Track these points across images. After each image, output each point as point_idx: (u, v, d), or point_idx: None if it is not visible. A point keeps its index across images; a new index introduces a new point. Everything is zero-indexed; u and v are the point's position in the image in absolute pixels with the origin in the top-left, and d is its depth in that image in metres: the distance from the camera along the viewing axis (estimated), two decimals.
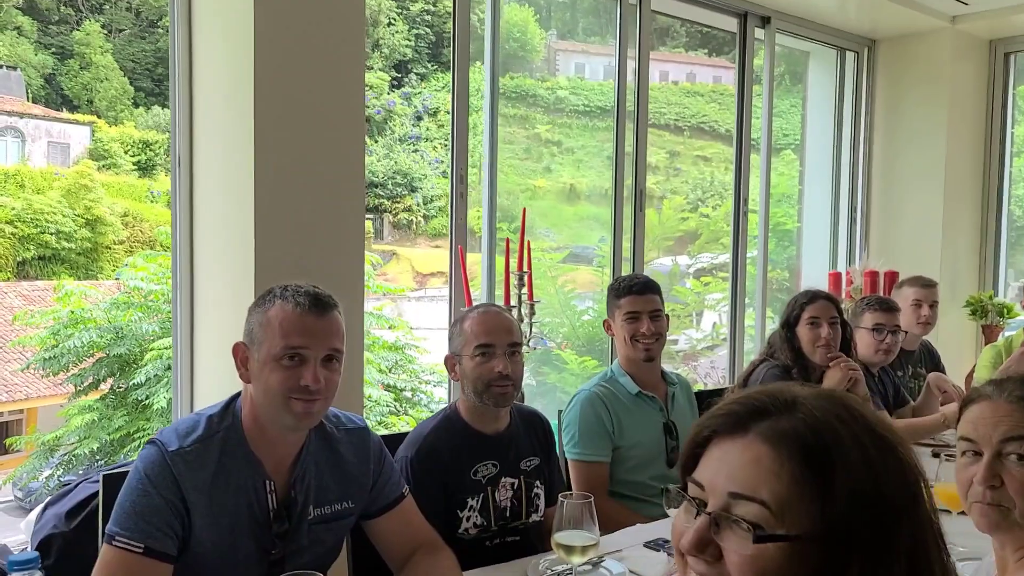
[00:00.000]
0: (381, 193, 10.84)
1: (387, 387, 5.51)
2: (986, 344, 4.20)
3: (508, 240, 2.96)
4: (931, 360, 3.81)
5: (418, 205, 11.05)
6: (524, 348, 2.99)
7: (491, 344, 2.07)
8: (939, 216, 4.65)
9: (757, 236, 4.51)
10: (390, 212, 10.93)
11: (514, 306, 2.93)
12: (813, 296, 2.90)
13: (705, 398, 3.05)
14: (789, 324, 2.89)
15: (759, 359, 2.99)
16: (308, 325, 1.55)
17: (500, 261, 3.10)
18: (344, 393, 2.36)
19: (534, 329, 3.08)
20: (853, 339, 3.01)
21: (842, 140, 4.79)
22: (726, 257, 5.77)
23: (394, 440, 2.11)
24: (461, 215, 3.10)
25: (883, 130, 4.81)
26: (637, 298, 2.56)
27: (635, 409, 2.53)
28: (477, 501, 2.05)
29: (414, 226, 11.08)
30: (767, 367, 2.87)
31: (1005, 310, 4.51)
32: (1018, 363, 3.61)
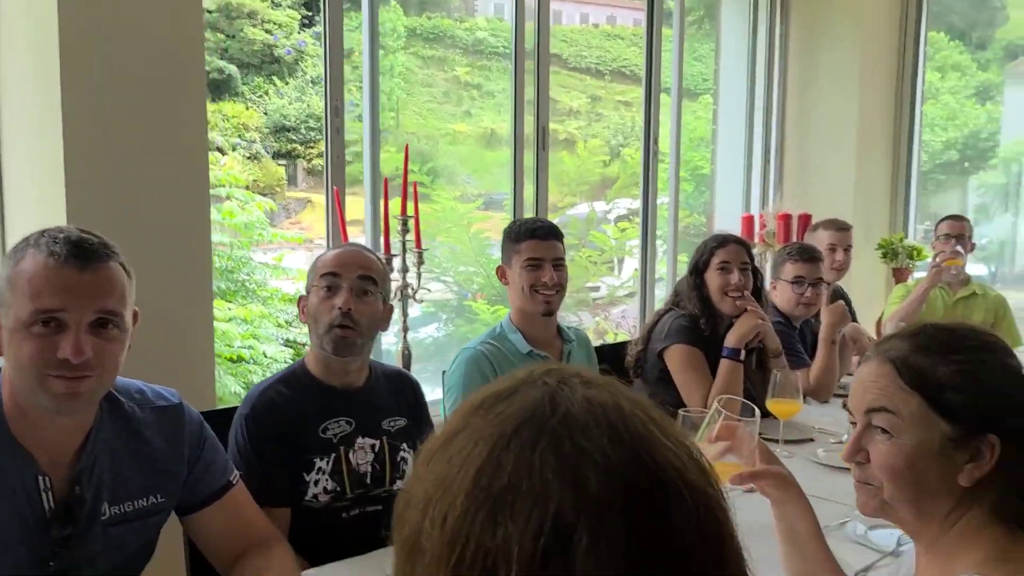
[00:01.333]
0: (293, 138, 10.26)
1: (288, 343, 5.19)
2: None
3: (387, 180, 2.65)
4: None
5: (379, 155, 10.48)
6: (414, 300, 2.71)
7: (338, 275, 1.78)
8: (852, 159, 4.50)
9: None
10: (303, 158, 10.38)
11: (396, 254, 2.63)
12: (723, 240, 2.67)
13: (608, 352, 2.83)
14: (698, 270, 2.66)
15: (664, 308, 2.77)
16: (66, 281, 1.21)
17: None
18: (189, 365, 2.04)
19: (423, 280, 2.79)
20: (764, 287, 2.80)
21: (756, 83, 4.57)
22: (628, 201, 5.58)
23: None
24: (338, 152, 2.77)
25: (797, 72, 4.62)
26: (539, 243, 2.29)
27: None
28: (327, 463, 1.76)
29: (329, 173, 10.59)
30: (672, 317, 2.65)
31: (915, 252, 4.41)
32: (909, 310, 3.50)
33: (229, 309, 4.49)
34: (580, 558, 0.51)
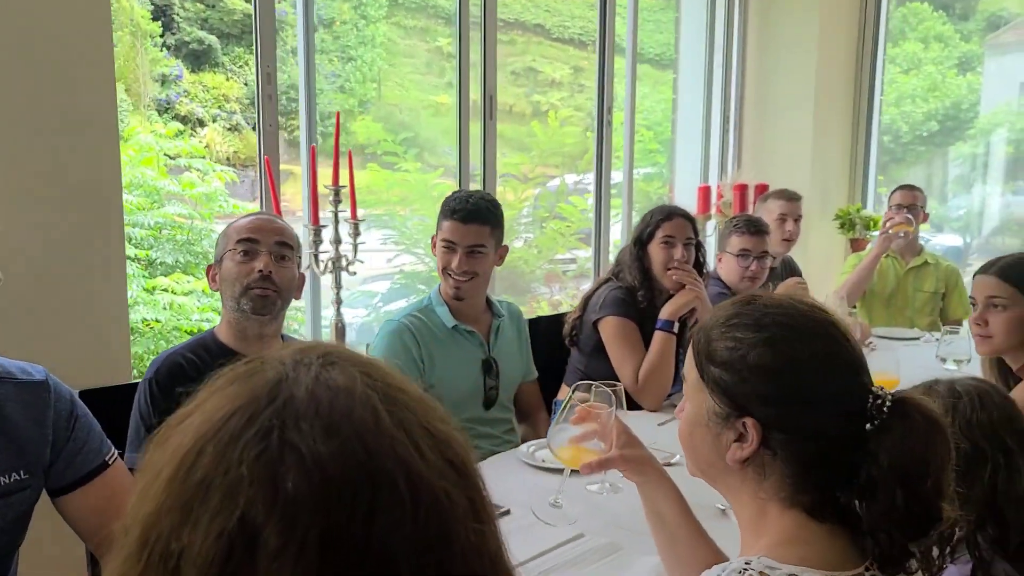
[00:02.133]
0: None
1: None
2: None
3: (313, 148, 2.59)
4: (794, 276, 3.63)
5: (315, 122, 10.40)
6: (347, 272, 2.67)
7: (255, 240, 1.78)
8: (810, 128, 4.44)
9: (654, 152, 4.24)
10: (284, 129, 10.26)
11: (324, 225, 2.57)
12: (670, 213, 2.62)
13: (546, 323, 2.80)
14: (641, 241, 2.61)
15: (603, 279, 2.73)
16: None
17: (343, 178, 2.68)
18: (100, 337, 1.99)
19: (360, 251, 2.73)
20: (706, 262, 2.75)
21: (715, 52, 4.49)
22: (616, 174, 5.50)
23: None
24: (270, 120, 2.71)
25: (755, 42, 4.54)
26: (457, 226, 2.22)
27: (450, 343, 2.24)
28: None
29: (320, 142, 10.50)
30: (609, 288, 2.61)
31: (872, 223, 4.37)
32: (858, 279, 3.46)
33: (188, 282, 4.44)
34: (264, 563, 0.48)
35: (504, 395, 2.30)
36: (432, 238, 2.36)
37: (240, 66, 9.16)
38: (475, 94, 3.46)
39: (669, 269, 2.54)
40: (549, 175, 7.11)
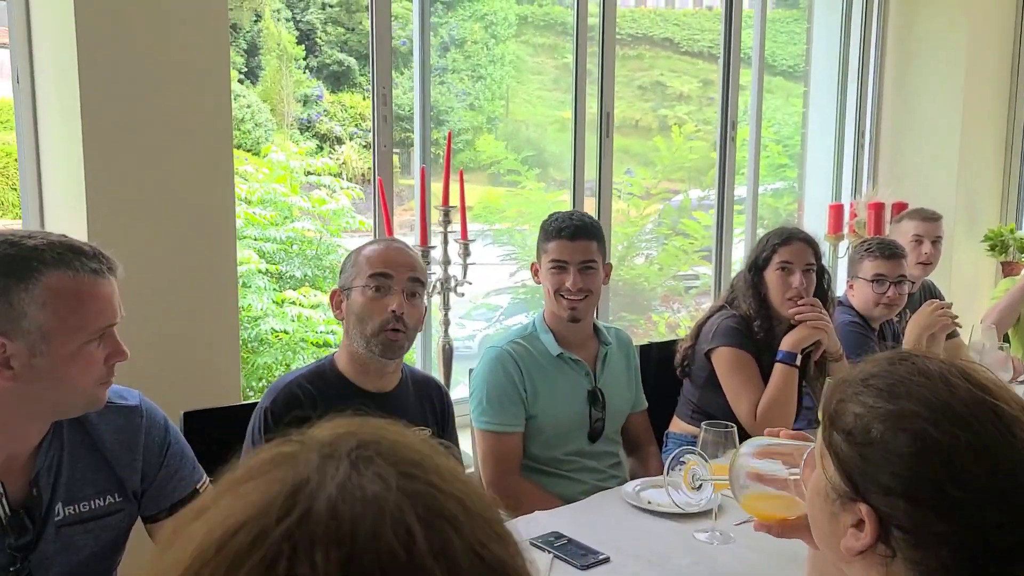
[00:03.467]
0: (407, 127, 10.35)
1: None
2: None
3: (424, 170, 2.53)
4: None
5: (444, 139, 10.49)
6: (455, 293, 2.59)
7: (388, 275, 1.68)
8: (956, 143, 4.04)
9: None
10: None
11: (433, 246, 2.51)
12: (788, 236, 2.37)
13: (657, 351, 2.63)
14: (757, 267, 2.39)
15: (717, 306, 2.51)
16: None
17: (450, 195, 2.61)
18: (211, 359, 1.98)
19: (469, 272, 2.66)
20: (831, 288, 2.50)
21: (850, 60, 4.17)
22: (742, 190, 5.23)
23: None
24: (385, 141, 2.67)
25: (895, 50, 4.18)
26: (566, 244, 2.08)
27: (555, 373, 2.11)
28: None
29: (441, 160, 10.57)
30: (723, 316, 2.40)
31: None
32: (1005, 307, 3.09)
33: (315, 295, 4.52)
34: None
35: (611, 427, 2.15)
36: (533, 265, 2.24)
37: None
38: (593, 109, 3.34)
39: (788, 298, 2.31)
40: (673, 190, 6.88)
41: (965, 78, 4.01)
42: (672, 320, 5.65)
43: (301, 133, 7.67)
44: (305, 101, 8.24)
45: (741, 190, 5.95)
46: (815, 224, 4.12)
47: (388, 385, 1.76)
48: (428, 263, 2.45)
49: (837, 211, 3.89)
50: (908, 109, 4.16)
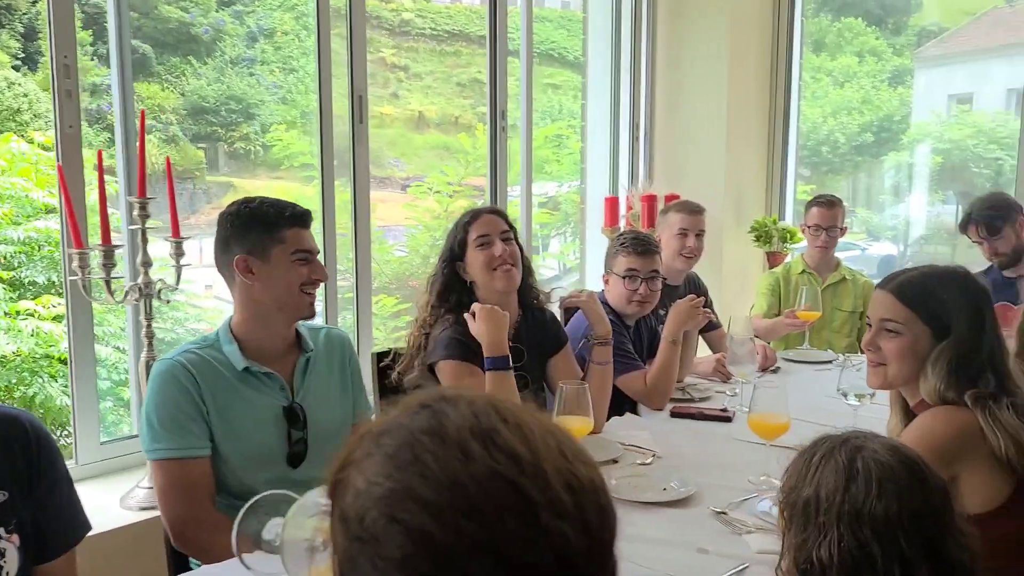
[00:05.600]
0: (213, 120, 9.60)
1: None
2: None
3: (100, 152, 2.10)
4: (697, 295, 3.21)
5: (256, 133, 9.84)
6: (158, 299, 2.20)
7: None
8: (723, 138, 4.04)
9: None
10: (225, 141, 9.72)
11: (118, 245, 2.10)
12: (475, 213, 2.21)
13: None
14: (455, 255, 2.19)
15: (424, 317, 2.25)
16: None
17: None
18: None
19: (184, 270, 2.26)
20: (528, 259, 2.31)
21: (622, 54, 4.07)
22: (553, 185, 5.08)
23: None
24: (70, 120, 2.21)
25: (665, 43, 4.13)
26: (300, 232, 1.82)
27: (241, 389, 1.76)
28: None
29: (252, 156, 9.89)
30: (442, 327, 2.14)
31: (788, 235, 3.97)
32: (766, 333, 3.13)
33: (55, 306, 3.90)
34: None
35: (317, 450, 1.83)
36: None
37: (177, 76, 8.61)
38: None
39: (494, 269, 2.13)
40: (479, 187, 6.73)
41: (728, 73, 4.02)
42: None
43: (91, 125, 6.89)
44: (94, 91, 7.43)
45: (550, 187, 5.84)
46: (597, 217, 4.00)
47: None
48: (112, 263, 2.04)
49: (613, 204, 3.78)
50: (679, 103, 4.13)
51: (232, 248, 1.77)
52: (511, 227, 2.21)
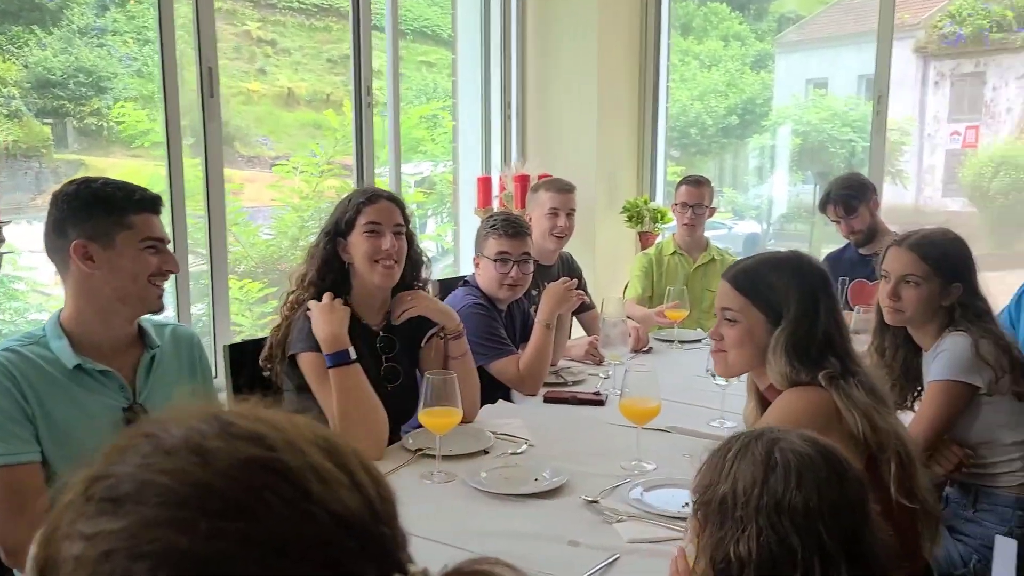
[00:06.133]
0: (61, 94, 8.80)
1: None
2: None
3: None
4: (571, 275, 3.17)
5: (108, 108, 9.13)
6: None
7: None
8: (595, 117, 4.02)
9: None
10: (74, 116, 8.95)
11: None
12: (374, 195, 2.03)
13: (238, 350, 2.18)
14: (339, 232, 2.01)
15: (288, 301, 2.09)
16: None
17: None
18: None
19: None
20: (423, 256, 2.17)
21: (491, 30, 3.97)
22: (428, 165, 4.93)
23: None
24: None
25: (535, 20, 4.05)
26: (150, 218, 1.64)
27: (73, 389, 1.56)
28: None
29: (105, 132, 9.17)
30: (303, 316, 1.99)
31: (659, 215, 4.00)
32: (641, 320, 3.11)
33: None
34: None
35: None
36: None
37: (19, 47, 7.90)
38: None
39: (377, 261, 1.98)
40: (348, 165, 6.51)
41: (598, 54, 4.00)
42: None
43: None
44: None
45: (425, 166, 5.68)
46: (471, 198, 3.90)
47: None
48: None
49: (485, 184, 3.70)
50: (550, 83, 4.08)
51: (68, 232, 1.56)
52: (406, 220, 2.05)
